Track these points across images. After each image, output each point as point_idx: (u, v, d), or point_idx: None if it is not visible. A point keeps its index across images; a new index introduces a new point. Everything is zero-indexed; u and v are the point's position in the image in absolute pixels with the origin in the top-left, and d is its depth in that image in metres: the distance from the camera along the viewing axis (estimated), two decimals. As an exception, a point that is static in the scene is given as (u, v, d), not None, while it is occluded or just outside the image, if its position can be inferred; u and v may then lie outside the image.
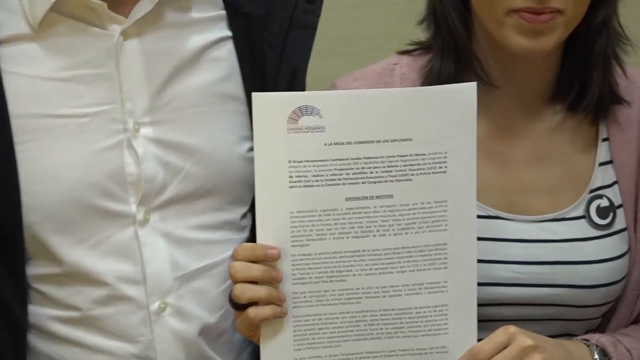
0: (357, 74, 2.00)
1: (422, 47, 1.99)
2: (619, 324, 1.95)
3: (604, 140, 1.97)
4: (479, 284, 1.80)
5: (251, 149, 1.93)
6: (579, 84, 1.93)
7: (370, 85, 1.97)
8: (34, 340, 1.92)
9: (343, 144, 1.71)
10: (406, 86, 1.97)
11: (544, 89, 1.94)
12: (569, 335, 1.89)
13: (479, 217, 1.82)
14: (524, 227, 1.90)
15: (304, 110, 1.71)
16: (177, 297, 1.93)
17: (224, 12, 2.01)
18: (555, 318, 1.90)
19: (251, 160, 1.92)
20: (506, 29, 1.84)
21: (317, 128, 1.71)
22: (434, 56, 1.96)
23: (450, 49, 1.93)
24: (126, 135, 1.89)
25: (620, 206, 1.95)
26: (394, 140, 1.73)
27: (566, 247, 1.90)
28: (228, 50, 2.01)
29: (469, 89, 1.73)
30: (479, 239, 1.81)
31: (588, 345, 1.84)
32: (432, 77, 1.93)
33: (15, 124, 1.85)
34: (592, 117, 1.96)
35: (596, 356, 1.83)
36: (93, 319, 1.90)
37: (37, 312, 1.91)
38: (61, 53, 1.89)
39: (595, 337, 1.86)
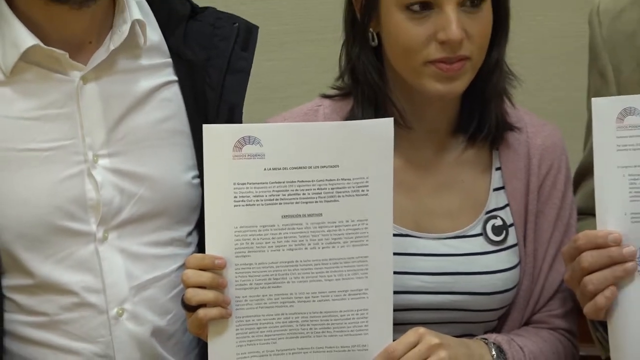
0: (285, 114, 2.07)
1: (341, 93, 2.07)
2: (513, 326, 2.03)
3: (497, 169, 2.06)
4: (394, 292, 1.88)
5: (195, 177, 2.06)
6: (478, 116, 2.01)
7: (311, 115, 2.07)
8: (9, 344, 1.98)
9: (280, 169, 1.80)
10: None
11: (449, 125, 2.02)
12: (471, 335, 1.98)
13: (393, 235, 1.89)
14: (430, 243, 1.99)
15: (247, 140, 1.79)
16: (132, 304, 2.00)
17: (169, 59, 2.09)
18: (459, 321, 1.98)
19: (195, 187, 2.07)
20: (424, 77, 1.93)
21: (258, 155, 1.80)
22: (355, 105, 2.02)
23: (370, 99, 2.00)
24: (86, 165, 1.97)
25: (511, 225, 2.03)
26: (323, 167, 1.82)
27: (466, 260, 2.00)
28: (174, 92, 2.09)
29: (387, 123, 1.81)
30: (393, 253, 1.88)
31: (487, 343, 1.93)
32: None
33: None
34: (488, 147, 2.05)
35: (493, 352, 1.92)
36: (60, 323, 1.97)
37: (11, 318, 1.97)
38: (29, 96, 1.97)
39: (492, 336, 1.95)
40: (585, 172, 2.15)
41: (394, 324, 1.89)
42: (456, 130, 2.03)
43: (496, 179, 2.05)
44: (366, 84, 2.00)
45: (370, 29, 1.97)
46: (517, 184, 2.04)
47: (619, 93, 2.10)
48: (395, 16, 1.91)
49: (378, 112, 1.98)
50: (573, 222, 2.09)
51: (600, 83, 2.15)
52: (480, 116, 2.01)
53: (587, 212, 2.11)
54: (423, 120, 2.01)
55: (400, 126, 1.94)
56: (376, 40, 1.97)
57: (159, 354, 2.05)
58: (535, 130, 2.07)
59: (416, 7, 1.89)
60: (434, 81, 1.93)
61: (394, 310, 1.89)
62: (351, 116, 2.01)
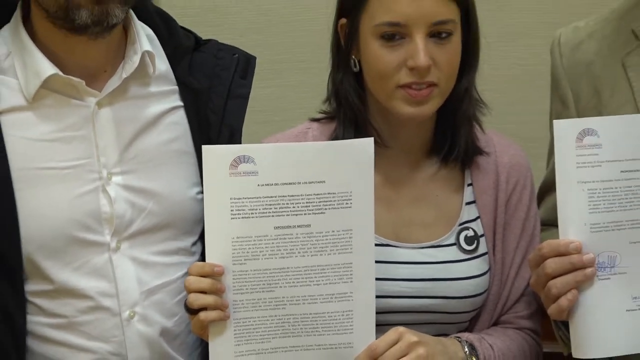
0: (278, 135, 2.10)
1: (327, 117, 2.09)
2: (483, 326, 2.06)
3: (469, 185, 2.08)
4: (376, 296, 1.91)
5: (199, 193, 2.06)
6: (449, 140, 2.03)
7: (300, 137, 2.09)
8: (31, 344, 2.00)
9: (272, 184, 1.83)
10: None
11: (423, 146, 2.05)
12: (445, 335, 2.00)
13: (374, 244, 1.91)
14: (408, 252, 2.01)
15: (242, 159, 1.82)
16: (142, 307, 2.02)
17: (176, 87, 2.11)
18: (434, 322, 2.01)
19: (199, 201, 2.06)
20: (395, 100, 1.95)
21: (252, 172, 1.83)
22: (338, 125, 2.04)
23: (350, 120, 2.02)
24: (101, 182, 2.00)
25: (482, 235, 2.06)
26: (311, 182, 1.85)
27: (441, 268, 2.02)
28: (180, 116, 2.11)
29: (368, 143, 1.85)
30: (375, 261, 1.91)
31: (460, 341, 1.96)
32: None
33: (15, 175, 1.95)
34: (459, 167, 2.06)
35: (466, 349, 1.95)
36: (77, 324, 2.00)
37: (33, 320, 1.99)
38: (49, 120, 1.99)
39: (465, 335, 1.98)
40: (548, 188, 2.18)
41: (377, 325, 1.92)
42: (430, 151, 2.05)
43: (468, 194, 2.07)
44: (348, 106, 2.02)
45: (353, 56, 2.00)
46: (486, 198, 2.07)
47: (579, 117, 2.11)
48: (372, 44, 1.94)
49: (358, 132, 2.00)
50: (537, 232, 2.11)
51: (562, 108, 2.16)
52: (452, 140, 2.04)
53: (549, 224, 2.13)
54: (399, 140, 2.03)
55: (379, 145, 1.96)
56: (357, 67, 2.00)
57: (167, 352, 2.07)
58: (503, 149, 2.09)
59: (389, 36, 1.92)
60: (404, 104, 1.95)
61: (377, 312, 1.92)
62: (335, 136, 2.04)
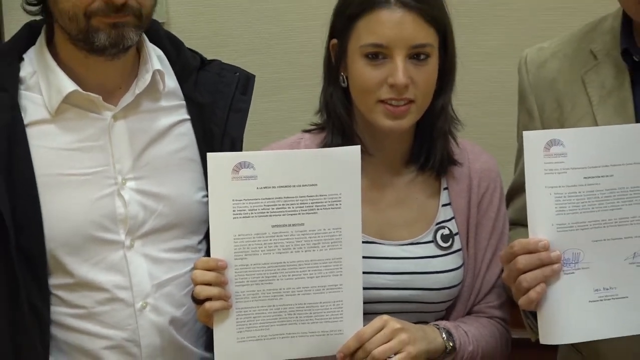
0: (273, 145, 2.11)
1: (318, 128, 2.10)
2: (458, 315, 2.07)
3: (445, 189, 2.09)
4: (363, 288, 1.93)
5: (204, 196, 2.06)
6: (426, 152, 2.05)
7: (293, 146, 2.09)
8: (55, 331, 2.01)
9: (270, 187, 1.86)
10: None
11: (403, 155, 2.06)
12: (424, 322, 2.01)
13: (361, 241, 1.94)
14: (391, 249, 2.02)
15: (243, 165, 1.85)
16: (154, 299, 2.04)
17: (183, 102, 2.12)
18: (414, 311, 2.02)
19: (204, 204, 2.06)
20: (376, 114, 1.97)
21: (252, 177, 1.86)
22: (327, 135, 2.05)
23: (338, 130, 2.04)
24: (116, 187, 2.01)
25: (457, 234, 2.07)
26: (304, 185, 1.87)
27: (421, 262, 2.03)
28: (187, 128, 2.12)
29: (355, 150, 1.89)
30: (362, 257, 1.93)
31: (438, 328, 1.98)
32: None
33: (39, 180, 1.96)
34: (436, 174, 2.08)
35: (444, 335, 1.96)
36: (95, 314, 2.01)
37: (56, 311, 2.00)
38: (70, 131, 2.00)
39: (442, 323, 2.01)
40: (515, 191, 2.20)
41: (365, 314, 1.94)
42: (409, 161, 2.08)
43: (444, 196, 2.09)
44: (336, 118, 2.04)
45: (341, 73, 2.02)
46: (460, 201, 2.09)
47: (543, 128, 2.13)
48: (357, 62, 1.96)
49: (346, 141, 2.02)
50: (506, 231, 2.13)
51: (528, 120, 2.18)
52: (428, 152, 2.06)
53: (518, 223, 2.15)
54: (382, 150, 2.05)
55: (364, 153, 1.97)
56: (345, 82, 2.02)
57: (176, 339, 2.08)
58: (475, 157, 2.11)
59: (373, 56, 1.94)
60: (384, 117, 1.97)
61: (364, 302, 1.94)
62: (325, 144, 2.06)
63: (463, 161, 2.09)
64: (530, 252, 1.87)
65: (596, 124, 2.04)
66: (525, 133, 1.89)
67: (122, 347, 2.05)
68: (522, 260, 1.87)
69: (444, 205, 2.08)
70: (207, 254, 2.07)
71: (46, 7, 2.01)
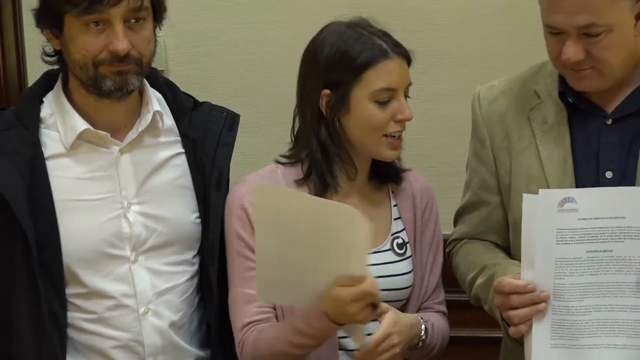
0: (252, 175, 2.07)
1: (290, 162, 2.08)
2: (412, 311, 2.09)
3: (394, 205, 2.12)
4: None
5: (197, 217, 2.08)
6: (384, 172, 2.10)
7: (264, 179, 2.04)
8: (71, 333, 2.03)
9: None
10: (285, 182, 2.04)
11: (366, 178, 2.10)
12: None
13: None
14: None
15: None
16: (155, 305, 2.05)
17: (179, 137, 2.13)
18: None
19: (197, 224, 2.09)
20: (380, 147, 2.01)
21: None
22: (306, 168, 2.02)
23: (324, 164, 2.01)
24: (123, 210, 2.03)
25: (408, 242, 2.11)
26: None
27: (382, 268, 2.06)
28: (182, 160, 2.12)
29: None
30: None
31: (424, 323, 2.04)
32: (313, 183, 2.02)
33: (57, 205, 1.98)
34: (387, 193, 2.11)
35: (423, 331, 2.02)
36: (105, 318, 2.03)
37: (72, 315, 2.02)
38: (83, 163, 2.02)
39: (426, 317, 2.07)
40: (468, 210, 2.22)
41: None
42: (370, 178, 2.11)
43: (395, 211, 2.13)
44: (331, 154, 2.03)
45: (335, 117, 2.02)
46: (408, 215, 2.13)
47: (493, 155, 2.15)
48: (367, 105, 1.98)
49: (331, 174, 2.03)
50: (441, 240, 2.18)
51: (480, 147, 2.18)
52: (386, 172, 2.12)
53: (471, 237, 2.20)
54: (359, 177, 2.08)
55: (351, 179, 2.02)
56: (338, 124, 2.02)
57: (174, 339, 2.10)
58: (415, 179, 2.17)
59: (384, 100, 1.98)
60: (388, 149, 2.02)
61: None
62: (303, 176, 2.05)
63: (407, 182, 2.14)
64: (518, 292, 1.86)
65: (539, 154, 2.07)
66: (541, 191, 1.87)
67: (128, 346, 2.05)
68: (515, 300, 1.86)
69: (395, 218, 2.12)
70: (201, 267, 2.12)
71: (61, 58, 2.04)
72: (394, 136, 2.01)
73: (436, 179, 2.45)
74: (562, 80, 2.06)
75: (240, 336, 2.02)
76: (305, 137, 2.06)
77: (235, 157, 2.20)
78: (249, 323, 2.01)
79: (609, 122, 2.02)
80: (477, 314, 2.20)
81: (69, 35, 1.96)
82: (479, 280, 2.09)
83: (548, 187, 2.01)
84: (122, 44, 1.94)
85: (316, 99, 2.02)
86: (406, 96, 2.03)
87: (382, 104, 1.98)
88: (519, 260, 1.99)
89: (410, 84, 2.04)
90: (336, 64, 1.99)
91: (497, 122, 2.15)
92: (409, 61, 2.03)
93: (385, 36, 2.00)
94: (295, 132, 2.12)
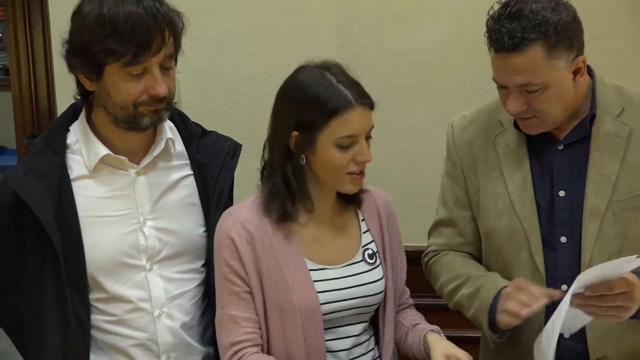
0: (240, 204, 2.05)
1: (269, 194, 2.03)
2: (390, 312, 2.09)
3: (362, 220, 2.12)
4: (328, 303, 1.96)
5: (204, 231, 2.10)
6: (348, 196, 2.08)
7: (246, 210, 1.99)
8: (94, 334, 2.05)
9: None
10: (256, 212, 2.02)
11: (333, 201, 2.07)
12: (363, 322, 2.04)
13: (312, 269, 1.97)
14: (335, 271, 2.02)
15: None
16: (168, 308, 2.07)
17: (188, 161, 2.14)
18: (356, 314, 2.03)
19: (204, 237, 2.10)
20: (344, 183, 2.00)
21: None
22: (272, 198, 1.99)
23: (289, 195, 1.98)
24: (139, 225, 2.06)
25: (377, 252, 2.10)
26: None
27: (357, 277, 2.05)
28: (191, 181, 2.14)
29: None
30: (314, 281, 1.96)
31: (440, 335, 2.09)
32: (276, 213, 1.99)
33: (82, 221, 2.01)
34: (355, 210, 2.11)
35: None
36: (124, 320, 2.05)
37: (95, 318, 2.05)
38: (104, 184, 2.04)
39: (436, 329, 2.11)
40: (442, 224, 2.27)
41: (326, 321, 1.98)
42: (336, 203, 2.11)
43: (363, 225, 2.13)
44: (295, 188, 2.00)
45: (302, 155, 1.99)
46: (374, 226, 2.14)
47: (464, 175, 2.20)
48: (330, 149, 1.96)
49: (292, 204, 2.00)
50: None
51: (453, 169, 2.24)
52: (347, 196, 2.10)
53: (446, 249, 2.25)
54: (324, 203, 2.07)
55: (309, 210, 2.03)
56: (304, 161, 1.99)
57: (185, 338, 2.12)
58: (376, 195, 2.18)
59: (345, 145, 1.96)
60: (351, 185, 2.02)
61: (325, 313, 1.98)
62: (268, 203, 2.01)
63: (370, 199, 2.15)
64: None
65: (503, 175, 2.13)
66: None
67: (145, 345, 2.08)
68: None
69: (364, 232, 2.13)
70: (208, 276, 2.13)
71: (87, 94, 2.05)
72: (355, 173, 2.01)
73: (410, 198, 2.52)
74: None
75: (227, 354, 2.01)
76: (271, 169, 2.04)
77: (239, 178, 2.24)
78: (236, 342, 2.00)
79: (560, 147, 2.10)
80: (452, 316, 2.24)
81: (110, 82, 1.96)
82: (465, 290, 2.14)
83: (511, 203, 2.10)
84: (162, 89, 1.97)
85: (286, 137, 2.00)
86: (368, 137, 2.01)
87: (344, 148, 1.96)
88: (492, 269, 2.14)
89: (372, 127, 2.01)
90: (306, 108, 1.96)
91: (466, 147, 2.21)
92: (371, 106, 1.99)
93: (352, 85, 1.97)
94: (263, 163, 2.10)
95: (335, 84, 1.96)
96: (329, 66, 2.01)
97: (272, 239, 2.00)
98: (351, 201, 2.13)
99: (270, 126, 2.05)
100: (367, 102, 1.98)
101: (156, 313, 2.08)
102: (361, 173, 2.02)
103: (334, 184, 2.03)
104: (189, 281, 2.14)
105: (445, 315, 2.24)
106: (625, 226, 2.05)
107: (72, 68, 2.01)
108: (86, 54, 1.94)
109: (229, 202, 2.19)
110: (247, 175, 2.26)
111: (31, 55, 3.01)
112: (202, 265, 2.17)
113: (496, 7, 2.01)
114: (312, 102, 1.96)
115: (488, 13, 2.01)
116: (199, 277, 2.15)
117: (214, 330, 2.12)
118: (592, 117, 2.07)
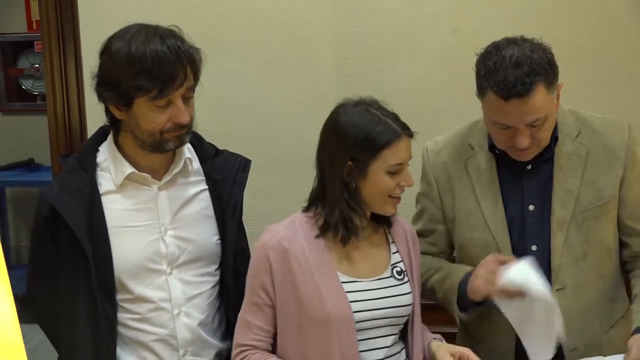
0: (279, 223, 2.05)
1: (309, 214, 2.05)
2: (419, 323, 2.11)
3: (392, 242, 2.13)
4: (360, 311, 1.96)
5: (218, 239, 2.13)
6: (381, 217, 2.11)
7: (284, 229, 2.01)
8: (120, 330, 2.10)
9: None
10: (302, 232, 2.01)
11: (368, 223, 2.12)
12: (394, 334, 2.04)
13: (346, 282, 1.99)
14: (365, 284, 2.02)
15: None
16: (186, 307, 2.11)
17: (204, 177, 2.18)
18: (387, 325, 2.03)
19: (218, 245, 2.14)
20: (387, 205, 2.03)
21: None
22: (324, 217, 2.00)
23: (340, 215, 1.99)
24: (160, 234, 2.10)
25: (405, 270, 2.10)
26: None
27: (387, 290, 2.05)
28: (206, 195, 2.17)
29: None
30: (347, 292, 1.97)
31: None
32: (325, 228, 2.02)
33: (110, 231, 2.05)
34: (385, 233, 2.12)
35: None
36: (147, 318, 2.10)
37: (121, 316, 2.10)
38: (130, 198, 2.09)
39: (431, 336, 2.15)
40: (419, 235, 2.25)
41: (360, 330, 1.98)
42: (370, 223, 2.13)
43: (393, 247, 2.15)
44: (345, 210, 2.01)
45: (353, 181, 2.01)
46: (402, 248, 2.15)
47: (439, 193, 2.24)
48: (381, 176, 2.00)
49: (345, 225, 2.02)
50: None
51: (429, 189, 2.29)
52: (381, 217, 2.14)
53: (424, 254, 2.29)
54: (366, 223, 2.10)
55: (355, 233, 2.04)
56: (354, 186, 2.02)
57: (201, 334, 2.16)
58: (403, 222, 2.19)
59: (394, 171, 1.99)
60: (392, 207, 2.06)
61: (360, 321, 1.99)
62: (325, 228, 2.03)
63: (398, 224, 2.18)
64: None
65: (475, 194, 2.17)
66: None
67: (165, 340, 2.12)
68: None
69: (394, 252, 2.14)
70: (221, 277, 2.18)
71: (115, 120, 2.09)
72: (397, 196, 2.06)
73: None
74: (490, 135, 2.16)
75: (234, 353, 2.05)
76: (333, 199, 2.03)
77: (250, 192, 2.28)
78: (243, 344, 2.05)
79: (529, 167, 2.15)
80: (435, 314, 2.28)
81: (138, 112, 2.01)
82: (435, 276, 2.21)
83: (484, 219, 2.15)
84: (185, 118, 2.02)
85: (342, 170, 2.01)
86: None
87: (393, 174, 2.01)
88: None
89: (411, 157, 2.07)
90: (360, 144, 1.99)
91: (441, 169, 2.25)
92: (412, 137, 2.04)
93: (396, 119, 2.03)
94: (314, 192, 2.08)
95: (383, 119, 2.00)
96: (370, 102, 2.05)
97: (307, 255, 2.01)
98: (383, 223, 2.16)
99: (326, 161, 2.04)
100: (409, 133, 2.04)
101: (175, 312, 2.12)
102: (399, 197, 2.07)
103: (377, 206, 2.07)
104: (205, 283, 2.18)
105: (429, 313, 2.24)
106: (587, 234, 2.13)
107: (102, 99, 2.06)
108: (117, 88, 1.99)
109: (241, 212, 2.26)
110: (256, 189, 2.37)
111: (65, 83, 3.10)
112: (216, 269, 2.21)
113: (473, 60, 2.04)
114: (365, 137, 1.99)
115: (473, 68, 2.04)
116: (213, 280, 2.20)
117: (227, 327, 2.18)
118: (556, 139, 2.14)
